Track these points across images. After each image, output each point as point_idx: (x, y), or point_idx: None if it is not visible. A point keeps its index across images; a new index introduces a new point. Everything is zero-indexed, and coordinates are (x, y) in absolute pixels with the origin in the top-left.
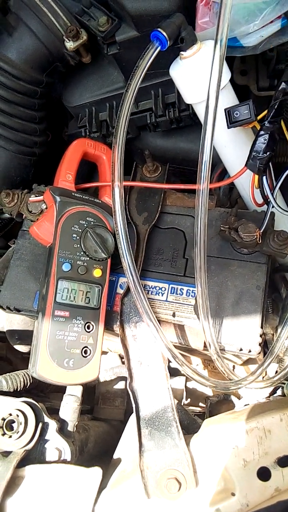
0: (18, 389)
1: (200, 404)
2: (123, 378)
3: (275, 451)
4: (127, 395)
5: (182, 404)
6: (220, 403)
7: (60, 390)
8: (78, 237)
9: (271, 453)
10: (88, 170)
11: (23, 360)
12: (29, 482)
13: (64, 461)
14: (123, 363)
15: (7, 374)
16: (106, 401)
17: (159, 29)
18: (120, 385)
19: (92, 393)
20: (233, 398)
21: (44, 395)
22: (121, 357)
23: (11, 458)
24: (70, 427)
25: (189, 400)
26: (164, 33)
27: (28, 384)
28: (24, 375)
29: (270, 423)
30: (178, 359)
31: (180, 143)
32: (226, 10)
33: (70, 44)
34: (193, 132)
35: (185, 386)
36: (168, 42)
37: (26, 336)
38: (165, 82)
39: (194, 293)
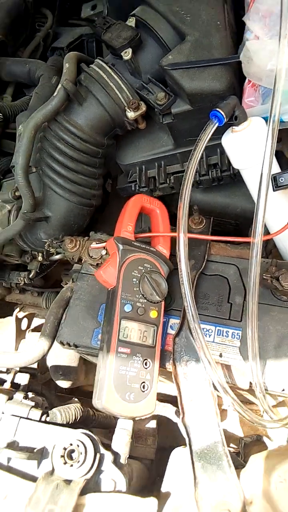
0: (70, 422)
1: (231, 445)
2: (155, 417)
3: None
4: (158, 434)
5: None
6: (253, 444)
7: (103, 426)
8: (137, 281)
9: None
10: None
11: (58, 397)
12: (89, 510)
13: (119, 492)
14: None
15: (61, 407)
16: (138, 440)
17: (218, 109)
18: (152, 424)
19: None
20: (265, 439)
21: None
22: None
23: (73, 486)
24: (122, 460)
25: None
26: (222, 113)
27: (79, 418)
28: (75, 408)
29: None
30: (230, 396)
31: (218, 198)
32: (278, 95)
33: (131, 114)
34: (230, 188)
35: None
36: (225, 120)
37: (69, 372)
38: (209, 147)
39: (239, 335)
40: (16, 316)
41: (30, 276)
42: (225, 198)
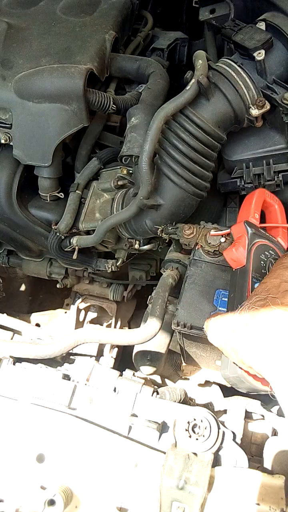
0: (175, 402)
1: None
2: None
3: None
4: None
5: None
6: None
7: None
8: (264, 265)
9: None
10: None
11: None
12: (220, 482)
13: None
14: None
15: (168, 387)
16: None
17: None
18: None
19: None
20: None
21: None
22: None
23: (202, 458)
24: (238, 439)
25: None
26: None
27: (181, 400)
28: (180, 390)
29: None
30: None
31: None
32: None
33: (255, 111)
34: None
35: None
36: None
37: (156, 358)
38: None
39: None
40: (78, 307)
41: (118, 264)
42: None
